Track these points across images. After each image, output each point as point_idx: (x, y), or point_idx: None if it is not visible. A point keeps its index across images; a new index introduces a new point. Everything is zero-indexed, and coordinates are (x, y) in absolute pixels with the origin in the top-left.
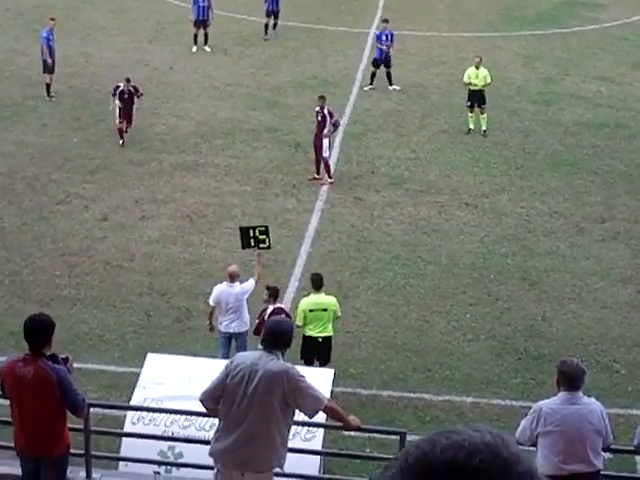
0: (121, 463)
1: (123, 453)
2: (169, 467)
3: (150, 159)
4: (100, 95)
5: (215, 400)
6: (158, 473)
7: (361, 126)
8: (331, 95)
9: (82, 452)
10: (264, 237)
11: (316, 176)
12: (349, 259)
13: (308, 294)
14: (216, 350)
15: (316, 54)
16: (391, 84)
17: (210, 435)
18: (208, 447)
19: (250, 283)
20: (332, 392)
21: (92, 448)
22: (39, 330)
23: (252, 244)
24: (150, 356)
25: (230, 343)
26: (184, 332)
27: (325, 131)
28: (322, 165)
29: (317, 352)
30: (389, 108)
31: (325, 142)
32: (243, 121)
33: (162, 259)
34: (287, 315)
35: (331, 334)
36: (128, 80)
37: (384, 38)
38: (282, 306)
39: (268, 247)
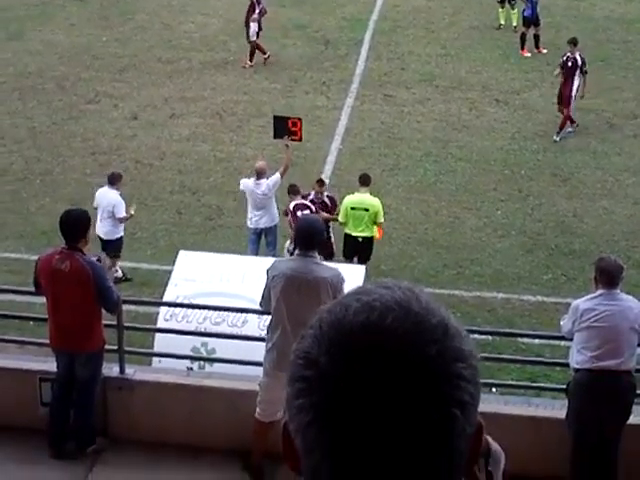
0: (154, 359)
1: (156, 349)
2: (202, 363)
3: (179, 57)
4: None
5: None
6: (191, 369)
7: (391, 22)
8: None
9: (115, 348)
10: (296, 129)
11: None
12: (379, 156)
13: (353, 192)
14: (247, 247)
15: None
16: None
17: (242, 331)
18: (241, 342)
19: (276, 177)
20: None
21: (125, 344)
22: (76, 224)
23: (284, 134)
24: (182, 253)
25: (259, 239)
26: (215, 230)
27: (254, 16)
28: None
29: (357, 251)
30: (419, 4)
31: (253, 26)
32: (272, 18)
33: (192, 157)
34: (312, 211)
35: (372, 235)
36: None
37: None
38: (305, 202)
39: (299, 139)
